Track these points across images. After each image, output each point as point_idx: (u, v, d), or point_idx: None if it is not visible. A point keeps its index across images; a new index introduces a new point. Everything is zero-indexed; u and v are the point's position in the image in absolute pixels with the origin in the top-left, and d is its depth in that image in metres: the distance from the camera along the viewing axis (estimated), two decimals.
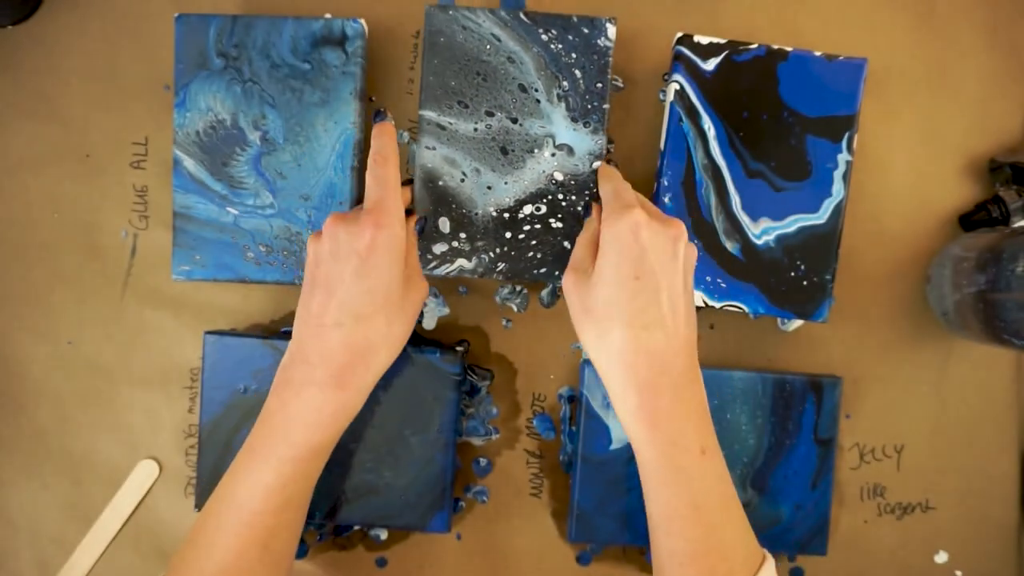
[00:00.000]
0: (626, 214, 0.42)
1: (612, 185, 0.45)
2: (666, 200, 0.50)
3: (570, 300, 0.45)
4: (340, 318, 0.42)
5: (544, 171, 0.49)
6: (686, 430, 0.41)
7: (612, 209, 0.43)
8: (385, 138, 0.45)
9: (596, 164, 0.49)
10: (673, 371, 0.41)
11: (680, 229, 0.43)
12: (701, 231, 0.50)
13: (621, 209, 0.42)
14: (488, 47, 0.49)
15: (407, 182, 0.49)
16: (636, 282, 0.41)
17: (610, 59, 0.49)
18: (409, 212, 0.48)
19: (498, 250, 0.50)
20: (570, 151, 0.49)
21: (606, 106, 0.49)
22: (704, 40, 0.50)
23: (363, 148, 0.51)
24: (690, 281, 0.44)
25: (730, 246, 0.50)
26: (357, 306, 0.42)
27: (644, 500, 0.44)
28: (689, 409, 0.42)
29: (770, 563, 0.43)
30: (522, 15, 0.49)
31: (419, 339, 0.55)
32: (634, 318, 0.41)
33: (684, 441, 0.41)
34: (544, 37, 0.49)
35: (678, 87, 0.50)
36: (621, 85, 0.54)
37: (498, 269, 0.50)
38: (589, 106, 0.49)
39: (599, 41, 0.49)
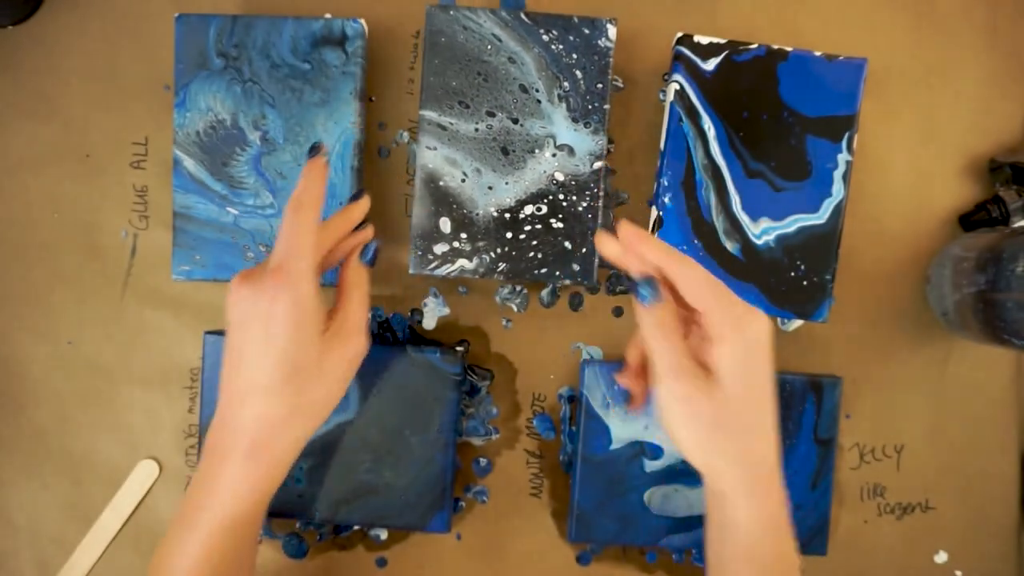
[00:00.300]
0: (755, 320, 0.38)
1: (704, 275, 0.39)
2: (666, 200, 0.50)
3: (686, 413, 0.39)
4: (248, 392, 0.39)
5: (545, 171, 0.49)
6: (790, 537, 0.41)
7: (736, 312, 0.38)
8: (311, 178, 0.41)
9: (597, 165, 0.49)
10: (780, 474, 0.41)
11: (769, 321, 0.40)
12: (701, 231, 0.50)
13: (747, 313, 0.38)
14: (489, 47, 0.49)
15: (357, 195, 0.46)
16: (766, 394, 0.39)
17: (611, 59, 0.49)
18: (363, 228, 0.46)
19: (499, 250, 0.50)
20: (571, 151, 0.49)
21: (607, 106, 0.49)
22: (704, 40, 0.50)
23: (363, 148, 0.51)
24: None
25: (730, 246, 0.50)
26: (263, 379, 0.39)
27: None
28: (784, 504, 0.41)
29: None
30: (523, 15, 0.49)
31: (419, 339, 0.55)
32: (769, 436, 0.39)
33: (790, 549, 0.41)
34: (545, 38, 0.49)
35: (678, 87, 0.50)
36: (621, 85, 0.54)
37: (499, 269, 0.50)
38: (590, 106, 0.49)
39: (600, 42, 0.49)
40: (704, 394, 0.38)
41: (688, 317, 0.40)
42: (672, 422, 0.39)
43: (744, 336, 0.38)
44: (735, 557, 0.41)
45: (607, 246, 0.40)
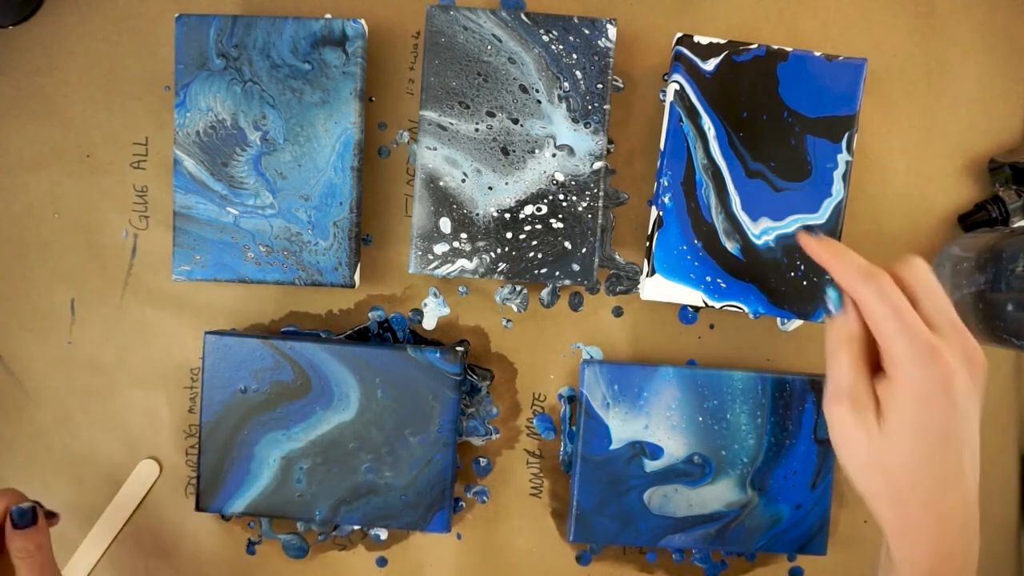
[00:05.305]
0: (935, 361, 0.34)
1: (887, 294, 0.36)
2: (666, 200, 0.50)
3: (846, 438, 0.37)
4: None
5: (545, 171, 0.49)
6: None
7: (913, 348, 0.35)
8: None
9: (597, 165, 0.49)
10: (965, 529, 0.36)
11: (982, 361, 0.36)
12: (701, 231, 0.50)
13: (927, 350, 0.34)
14: (489, 47, 0.49)
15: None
16: (944, 444, 0.35)
17: (611, 60, 0.49)
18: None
19: (499, 250, 0.50)
20: (571, 151, 0.49)
21: (607, 106, 0.49)
22: (704, 40, 0.50)
23: (363, 148, 0.51)
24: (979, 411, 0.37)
25: (730, 246, 0.50)
26: None
27: None
28: (973, 566, 0.37)
29: None
30: (523, 15, 0.49)
31: (419, 339, 0.55)
32: (938, 488, 0.35)
33: None
34: (545, 38, 0.49)
35: (678, 87, 0.50)
36: (621, 85, 0.54)
37: (499, 269, 0.50)
38: (590, 107, 0.49)
39: (600, 42, 0.49)
40: (862, 430, 0.36)
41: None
42: (832, 440, 0.38)
43: (917, 384, 0.34)
44: None
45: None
